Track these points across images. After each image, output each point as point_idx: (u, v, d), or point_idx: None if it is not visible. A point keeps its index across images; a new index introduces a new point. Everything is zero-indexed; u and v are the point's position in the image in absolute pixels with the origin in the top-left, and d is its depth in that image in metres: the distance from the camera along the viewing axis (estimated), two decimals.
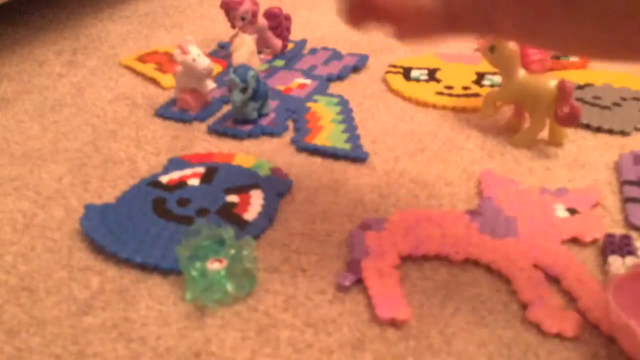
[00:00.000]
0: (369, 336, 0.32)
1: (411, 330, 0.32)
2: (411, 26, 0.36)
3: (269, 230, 0.39)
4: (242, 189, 0.42)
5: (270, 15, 0.63)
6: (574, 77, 0.57)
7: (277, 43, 0.64)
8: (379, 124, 0.52)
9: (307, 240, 0.38)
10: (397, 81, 0.58)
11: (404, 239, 0.37)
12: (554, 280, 0.35)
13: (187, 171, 0.44)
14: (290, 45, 0.66)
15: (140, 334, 0.32)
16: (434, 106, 0.55)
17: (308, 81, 0.59)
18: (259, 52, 0.62)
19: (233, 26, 0.63)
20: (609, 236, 0.38)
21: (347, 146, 0.48)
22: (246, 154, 0.47)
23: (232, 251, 0.34)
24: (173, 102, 0.55)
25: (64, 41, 0.69)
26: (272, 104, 0.54)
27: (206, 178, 0.43)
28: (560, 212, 0.40)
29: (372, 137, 0.50)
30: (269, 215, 0.40)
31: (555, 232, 0.38)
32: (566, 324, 0.31)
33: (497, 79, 0.57)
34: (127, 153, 0.48)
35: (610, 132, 0.50)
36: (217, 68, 0.60)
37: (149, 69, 0.62)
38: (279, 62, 0.63)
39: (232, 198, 0.41)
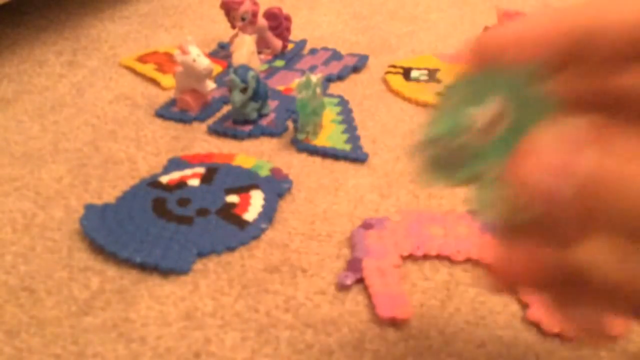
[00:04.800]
0: (369, 336, 0.32)
1: (411, 330, 0.32)
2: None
3: (269, 230, 0.39)
4: (242, 189, 0.42)
5: (270, 15, 0.63)
6: None
7: (277, 43, 0.64)
8: (379, 124, 0.52)
9: (307, 240, 0.38)
10: (397, 81, 0.58)
11: (406, 239, 0.37)
12: None
13: (187, 171, 0.44)
14: (290, 46, 0.66)
15: (140, 334, 0.32)
16: (434, 106, 0.54)
17: None
18: (259, 53, 0.62)
19: (233, 26, 0.63)
20: None
21: (347, 147, 0.48)
22: (246, 154, 0.47)
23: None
24: (173, 102, 0.55)
25: (64, 41, 0.69)
26: (272, 104, 0.54)
27: (206, 178, 0.43)
28: None
29: (372, 137, 0.50)
30: (269, 215, 0.40)
31: None
32: (566, 324, 0.31)
33: None
34: (127, 153, 0.48)
35: None
36: (217, 68, 0.60)
37: (149, 69, 0.62)
38: (279, 63, 0.63)
39: (232, 198, 0.41)
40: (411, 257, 0.37)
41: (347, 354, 0.31)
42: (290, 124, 0.51)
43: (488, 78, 0.18)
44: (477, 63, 0.19)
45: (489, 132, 0.17)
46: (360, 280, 0.35)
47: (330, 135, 0.49)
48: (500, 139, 0.17)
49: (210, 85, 0.53)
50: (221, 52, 0.66)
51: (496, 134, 0.17)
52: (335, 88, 0.58)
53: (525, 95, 0.17)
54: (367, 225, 0.39)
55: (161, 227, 0.39)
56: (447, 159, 0.18)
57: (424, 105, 0.55)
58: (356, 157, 0.47)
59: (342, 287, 0.35)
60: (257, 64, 0.58)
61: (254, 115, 0.51)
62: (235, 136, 0.50)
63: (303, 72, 0.57)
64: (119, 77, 0.61)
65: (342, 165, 0.46)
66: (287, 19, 0.64)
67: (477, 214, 0.18)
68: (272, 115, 0.53)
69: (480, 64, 0.18)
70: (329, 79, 0.59)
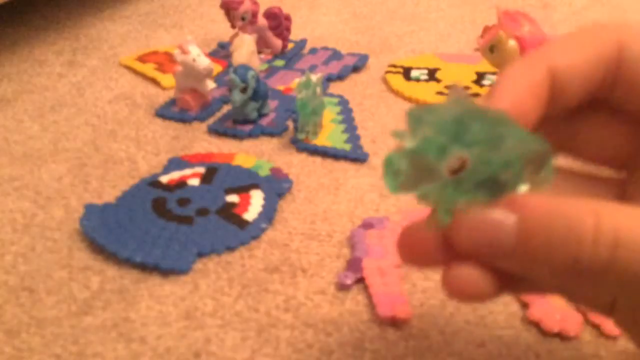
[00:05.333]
0: (369, 336, 0.32)
1: (411, 330, 0.32)
2: None
3: (269, 230, 0.39)
4: (242, 189, 0.42)
5: (270, 15, 0.63)
6: None
7: (277, 43, 0.64)
8: (379, 124, 0.52)
9: (307, 240, 0.38)
10: (397, 81, 0.58)
11: None
12: None
13: (187, 171, 0.44)
14: (290, 45, 0.66)
15: (140, 334, 0.32)
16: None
17: None
18: (259, 52, 0.62)
19: (233, 26, 0.63)
20: None
21: (347, 146, 0.48)
22: (246, 154, 0.47)
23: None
24: (173, 102, 0.55)
25: (64, 41, 0.69)
26: (272, 104, 0.54)
27: (206, 178, 0.43)
28: None
29: (372, 137, 0.50)
30: (269, 215, 0.40)
31: None
32: (567, 323, 0.31)
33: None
34: (127, 153, 0.48)
35: None
36: (217, 68, 0.60)
37: (149, 69, 0.62)
38: (279, 62, 0.63)
39: (232, 198, 0.41)
40: None
41: (347, 354, 0.31)
42: (290, 124, 0.51)
43: (476, 118, 0.18)
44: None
45: (456, 169, 0.18)
46: (360, 280, 0.35)
47: (330, 135, 0.49)
48: (462, 180, 0.18)
49: (210, 85, 0.53)
50: (221, 51, 0.66)
51: (462, 174, 0.18)
52: (335, 88, 0.58)
53: (504, 152, 0.18)
54: (367, 225, 0.39)
55: (161, 227, 0.39)
56: (411, 172, 0.19)
57: (424, 104, 0.55)
58: (356, 157, 0.47)
59: (342, 287, 0.35)
60: (257, 63, 0.58)
61: (254, 115, 0.51)
62: (235, 136, 0.50)
63: (303, 72, 0.57)
64: (119, 76, 0.61)
65: (342, 165, 0.46)
66: (287, 18, 0.64)
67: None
68: (272, 115, 0.53)
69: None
70: (329, 79, 0.59)
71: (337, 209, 0.41)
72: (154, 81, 0.60)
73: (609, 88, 0.22)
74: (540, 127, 0.21)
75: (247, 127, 0.51)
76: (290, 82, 0.58)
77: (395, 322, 0.32)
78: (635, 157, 0.23)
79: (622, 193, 0.23)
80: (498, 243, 0.18)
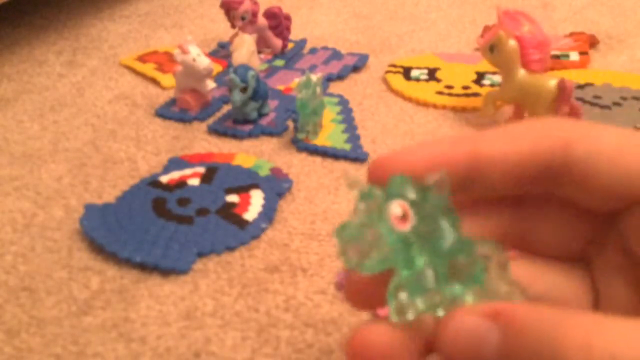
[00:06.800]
0: None
1: None
2: None
3: (269, 230, 0.39)
4: (242, 189, 0.42)
5: (270, 15, 0.63)
6: (574, 76, 0.57)
7: (277, 43, 0.64)
8: (379, 124, 0.52)
9: (307, 240, 0.38)
10: (397, 81, 0.58)
11: None
12: None
13: (187, 171, 0.44)
14: (290, 45, 0.66)
15: (140, 334, 0.32)
16: (434, 106, 0.55)
17: None
18: (259, 52, 0.62)
19: (233, 26, 0.63)
20: None
21: (347, 146, 0.48)
22: (246, 153, 0.47)
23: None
24: (173, 102, 0.55)
25: (64, 41, 0.69)
26: (272, 103, 0.54)
27: (206, 178, 0.43)
28: None
29: (372, 137, 0.50)
30: (269, 215, 0.40)
31: None
32: None
33: (497, 78, 0.57)
34: (127, 153, 0.48)
35: None
36: (217, 68, 0.60)
37: (149, 69, 0.62)
38: (279, 62, 0.63)
39: (232, 198, 0.41)
40: None
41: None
42: (290, 124, 0.51)
43: (392, 188, 0.18)
44: (375, 181, 0.19)
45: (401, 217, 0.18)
46: None
47: (330, 134, 0.49)
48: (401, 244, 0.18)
49: (210, 84, 0.53)
50: (221, 51, 0.66)
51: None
52: (335, 87, 0.58)
53: (429, 204, 0.18)
54: None
55: (161, 227, 0.39)
56: (359, 247, 0.18)
57: (424, 104, 0.55)
58: (356, 156, 0.47)
59: (342, 287, 0.35)
60: (257, 63, 0.58)
61: (254, 114, 0.51)
62: (235, 136, 0.50)
63: (303, 72, 0.57)
64: (119, 76, 0.61)
65: (342, 165, 0.46)
66: (287, 18, 0.64)
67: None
68: (272, 115, 0.53)
69: (377, 181, 0.19)
70: (329, 79, 0.59)
71: (337, 209, 0.41)
72: (154, 81, 0.60)
73: (553, 184, 0.21)
74: (492, 226, 0.21)
75: (247, 127, 0.51)
76: (290, 82, 0.58)
77: None
78: (592, 249, 0.22)
79: (589, 279, 0.22)
80: (479, 355, 0.17)
